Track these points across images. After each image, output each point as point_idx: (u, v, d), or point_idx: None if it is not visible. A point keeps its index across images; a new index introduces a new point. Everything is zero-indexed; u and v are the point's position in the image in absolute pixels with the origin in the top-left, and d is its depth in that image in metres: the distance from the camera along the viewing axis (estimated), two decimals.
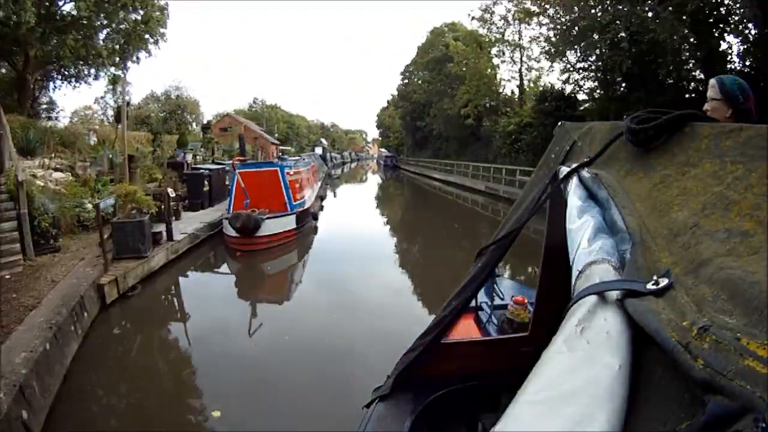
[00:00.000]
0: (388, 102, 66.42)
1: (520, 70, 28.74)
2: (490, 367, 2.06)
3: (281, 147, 40.44)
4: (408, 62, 48.51)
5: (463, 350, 2.17)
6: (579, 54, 18.15)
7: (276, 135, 49.45)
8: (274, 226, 10.02)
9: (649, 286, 0.63)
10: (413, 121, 46.50)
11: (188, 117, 36.90)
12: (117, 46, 16.99)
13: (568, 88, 20.15)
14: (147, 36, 17.48)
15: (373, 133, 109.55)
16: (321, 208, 15.85)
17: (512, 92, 29.79)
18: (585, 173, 1.10)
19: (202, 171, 14.35)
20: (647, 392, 0.58)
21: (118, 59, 17.37)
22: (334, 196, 24.23)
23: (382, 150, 72.65)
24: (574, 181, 1.14)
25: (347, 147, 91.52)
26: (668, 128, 0.90)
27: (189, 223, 10.70)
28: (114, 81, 18.26)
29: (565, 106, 19.52)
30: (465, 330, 2.95)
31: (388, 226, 16.23)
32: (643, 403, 0.57)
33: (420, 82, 43.93)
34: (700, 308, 0.54)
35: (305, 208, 12.06)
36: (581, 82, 19.48)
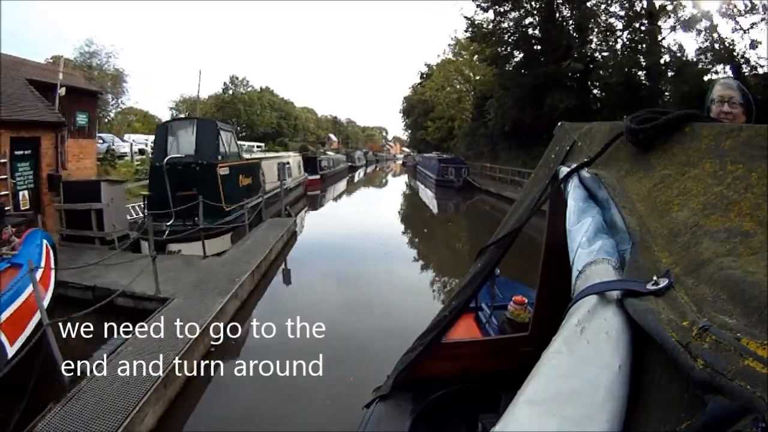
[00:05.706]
0: (422, 75, 42.40)
1: None
2: (490, 367, 2.06)
3: (254, 143, 24.82)
4: None
5: (463, 350, 2.17)
6: None
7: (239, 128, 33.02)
8: None
9: (649, 286, 0.63)
10: (531, 64, 19.83)
11: (106, 96, 23.95)
12: None
13: None
14: None
15: (394, 131, 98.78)
16: None
17: None
18: (585, 173, 1.10)
19: None
20: (647, 392, 0.58)
21: None
22: None
23: (406, 150, 48.13)
24: (574, 181, 1.14)
25: (364, 145, 75.08)
26: (668, 128, 0.91)
27: None
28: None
29: None
30: (465, 330, 2.95)
31: None
32: (643, 403, 0.57)
33: None
34: (700, 308, 0.54)
35: None
36: None
